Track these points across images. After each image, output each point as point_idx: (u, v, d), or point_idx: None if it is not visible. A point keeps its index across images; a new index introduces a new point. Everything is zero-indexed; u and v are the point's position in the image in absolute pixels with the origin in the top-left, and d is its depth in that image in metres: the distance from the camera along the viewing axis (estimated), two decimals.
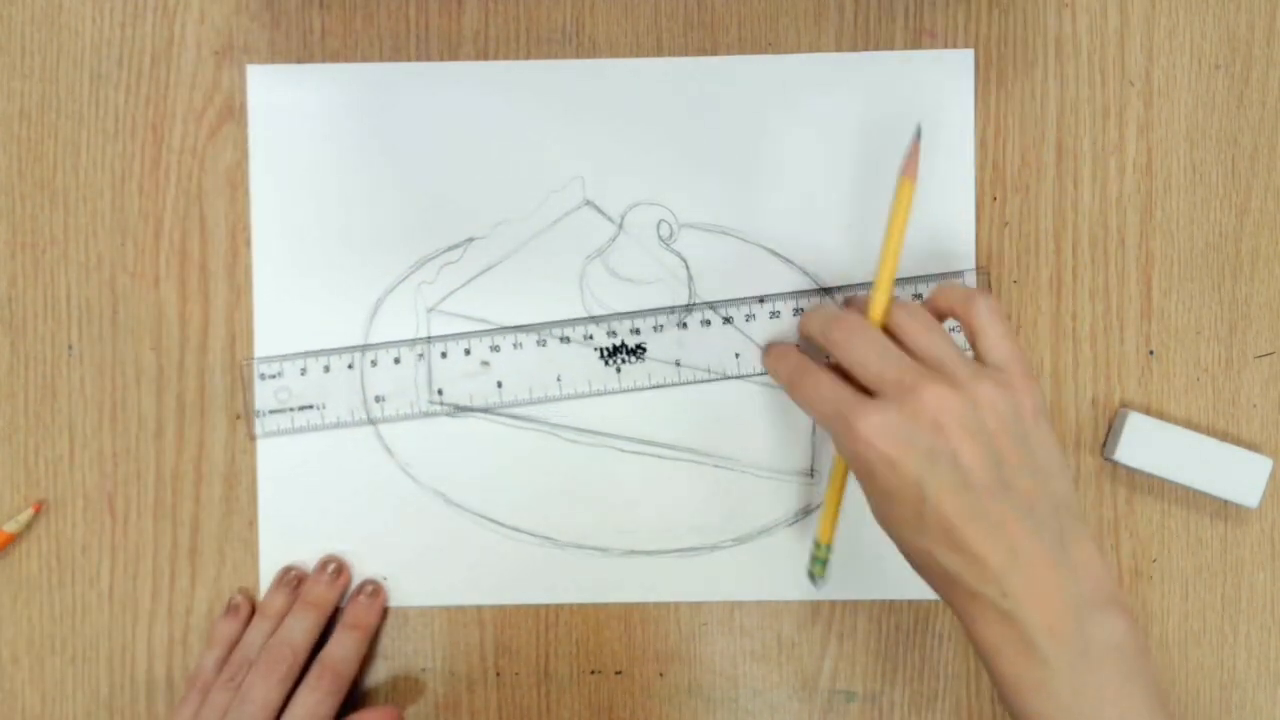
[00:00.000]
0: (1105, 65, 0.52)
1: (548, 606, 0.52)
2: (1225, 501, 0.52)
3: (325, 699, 0.47)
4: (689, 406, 0.52)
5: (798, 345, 0.50)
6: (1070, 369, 0.52)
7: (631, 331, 0.52)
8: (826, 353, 0.45)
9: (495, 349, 0.52)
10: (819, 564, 0.48)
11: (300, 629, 0.49)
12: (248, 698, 0.46)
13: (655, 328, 0.52)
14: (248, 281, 0.52)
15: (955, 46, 0.52)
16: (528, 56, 0.52)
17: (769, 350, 0.50)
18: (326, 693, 0.47)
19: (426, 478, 0.52)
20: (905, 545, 0.42)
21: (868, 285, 0.51)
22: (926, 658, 0.52)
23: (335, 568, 0.51)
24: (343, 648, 0.49)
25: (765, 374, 0.52)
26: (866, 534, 0.52)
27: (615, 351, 0.52)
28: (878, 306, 0.45)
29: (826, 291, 0.52)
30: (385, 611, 0.51)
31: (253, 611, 0.51)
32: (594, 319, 0.52)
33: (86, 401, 0.52)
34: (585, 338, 0.52)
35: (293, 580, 0.51)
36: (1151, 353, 0.52)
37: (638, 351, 0.52)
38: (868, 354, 0.43)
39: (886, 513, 0.42)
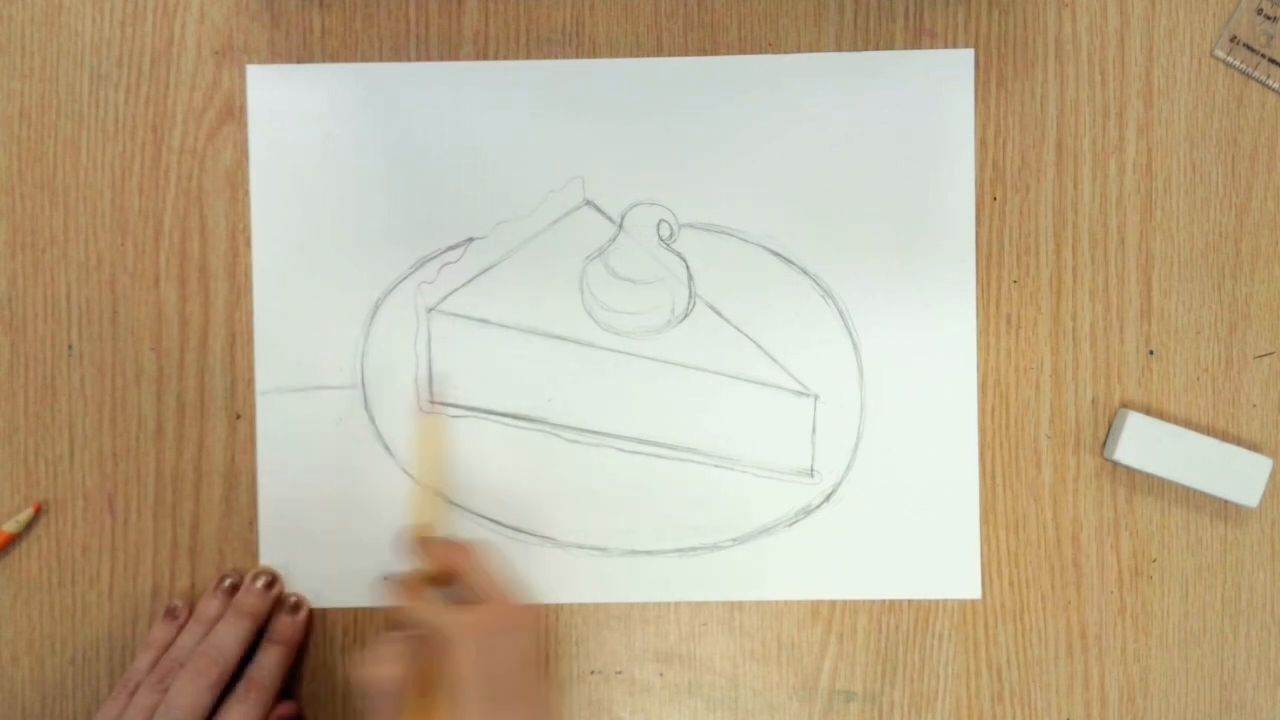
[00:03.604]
0: (1105, 65, 0.52)
1: (548, 606, 0.52)
2: (1225, 501, 0.52)
3: (251, 711, 0.47)
4: (689, 406, 0.52)
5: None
6: (1070, 369, 0.52)
7: (631, 331, 0.52)
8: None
9: (495, 349, 0.52)
10: None
11: (231, 637, 0.49)
12: (174, 702, 0.46)
13: (655, 328, 0.52)
14: (248, 281, 0.52)
15: (955, 46, 0.52)
16: (528, 56, 0.52)
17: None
18: (253, 705, 0.48)
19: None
20: None
21: (864, 282, 0.52)
22: (926, 658, 0.52)
23: (267, 580, 0.51)
24: (268, 663, 0.49)
25: (764, 374, 0.52)
26: (867, 535, 0.52)
27: (615, 351, 0.52)
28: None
29: (825, 294, 0.52)
30: (310, 625, 0.51)
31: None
32: (594, 319, 0.52)
33: (86, 401, 0.52)
34: (585, 338, 0.52)
35: (229, 587, 0.51)
36: (1151, 353, 0.52)
37: (638, 351, 0.52)
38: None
39: None
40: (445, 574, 0.48)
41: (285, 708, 0.50)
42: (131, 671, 0.49)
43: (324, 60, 0.52)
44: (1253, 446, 0.52)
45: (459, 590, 0.48)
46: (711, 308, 0.52)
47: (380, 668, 0.44)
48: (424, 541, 0.49)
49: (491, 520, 0.52)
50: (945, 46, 0.52)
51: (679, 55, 0.52)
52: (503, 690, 0.44)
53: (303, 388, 0.52)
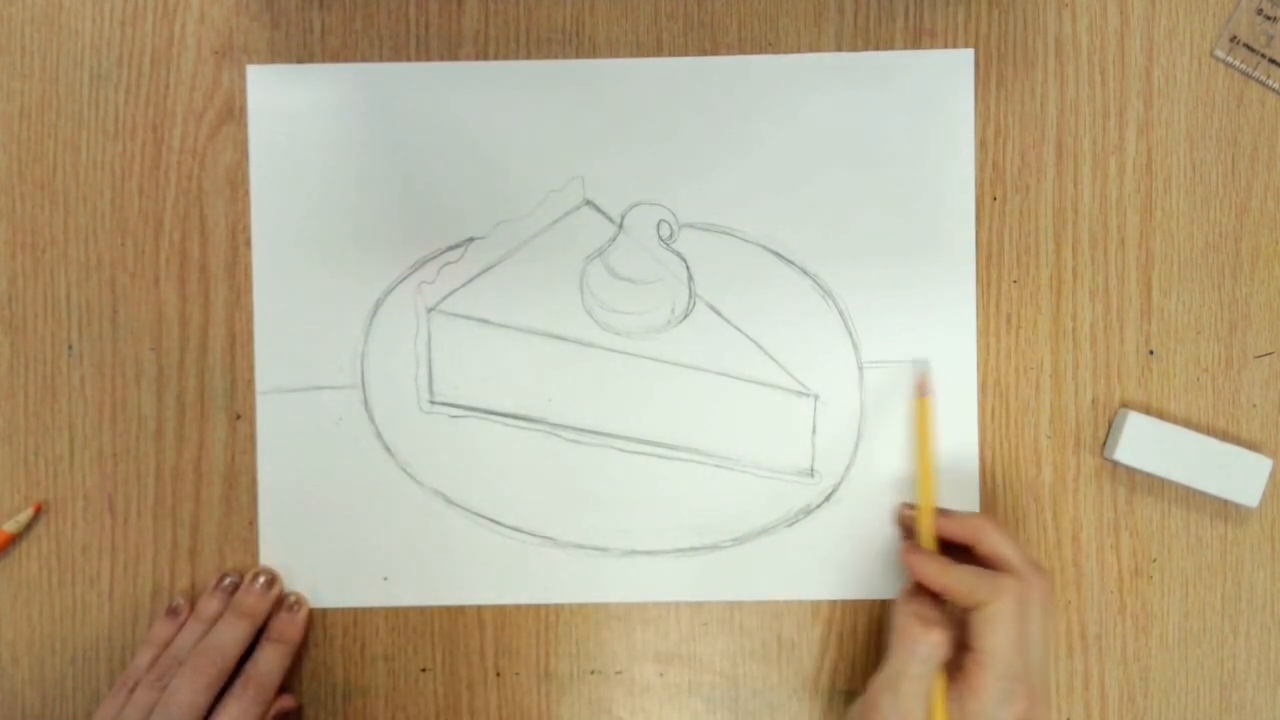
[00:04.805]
0: (1105, 65, 0.52)
1: (548, 606, 0.52)
2: (1225, 501, 0.52)
3: (250, 708, 0.47)
4: (689, 406, 0.52)
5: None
6: (1070, 369, 0.52)
7: (631, 331, 0.52)
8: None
9: (495, 349, 0.52)
10: None
11: (230, 636, 0.49)
12: (173, 700, 0.47)
13: (655, 328, 0.52)
14: (248, 281, 0.52)
15: (955, 46, 0.52)
16: (528, 56, 0.52)
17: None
18: (251, 702, 0.48)
19: (426, 478, 0.52)
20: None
21: (864, 282, 0.52)
22: None
23: (267, 579, 0.51)
24: (267, 661, 0.49)
25: (764, 374, 0.52)
26: (867, 535, 0.52)
27: (615, 352, 0.52)
28: (927, 537, 0.49)
29: (825, 294, 0.52)
30: (309, 623, 0.52)
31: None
32: (594, 319, 0.52)
33: (86, 401, 0.52)
34: (585, 338, 0.52)
35: (229, 586, 0.51)
36: (1151, 353, 0.52)
37: (638, 351, 0.52)
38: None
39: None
40: (956, 546, 0.48)
41: (284, 700, 0.50)
42: (131, 669, 0.49)
43: (324, 60, 0.52)
44: (1253, 446, 0.52)
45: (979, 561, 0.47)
46: (711, 308, 0.52)
47: (931, 632, 0.44)
48: (944, 513, 0.49)
49: (491, 520, 0.52)
50: (945, 46, 0.52)
51: (679, 55, 0.52)
52: (1023, 663, 0.44)
53: (303, 388, 0.52)
